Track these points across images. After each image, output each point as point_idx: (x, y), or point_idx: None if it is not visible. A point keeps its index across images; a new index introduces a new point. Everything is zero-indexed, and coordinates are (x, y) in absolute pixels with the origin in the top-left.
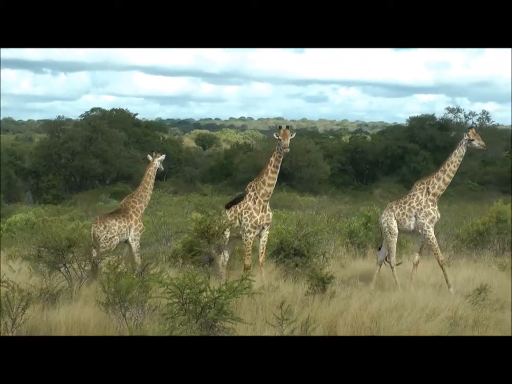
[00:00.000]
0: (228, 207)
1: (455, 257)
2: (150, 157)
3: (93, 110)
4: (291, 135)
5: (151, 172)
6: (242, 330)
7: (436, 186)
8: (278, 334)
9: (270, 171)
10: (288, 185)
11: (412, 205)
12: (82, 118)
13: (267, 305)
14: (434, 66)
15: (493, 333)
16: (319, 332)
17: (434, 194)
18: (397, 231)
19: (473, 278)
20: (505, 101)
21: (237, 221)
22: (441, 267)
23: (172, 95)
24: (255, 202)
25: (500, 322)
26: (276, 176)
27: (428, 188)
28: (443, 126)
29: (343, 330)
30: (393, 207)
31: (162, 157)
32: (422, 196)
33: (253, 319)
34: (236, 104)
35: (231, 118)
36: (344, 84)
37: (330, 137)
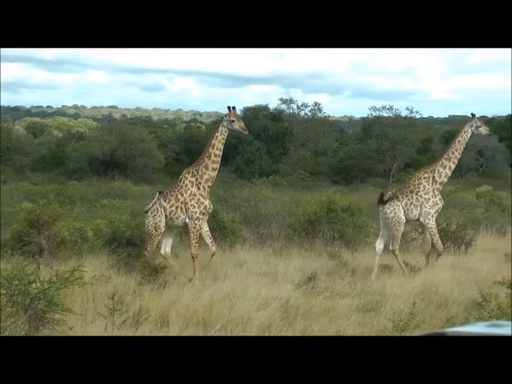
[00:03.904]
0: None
1: (287, 246)
2: None
3: None
4: None
5: None
6: (72, 321)
7: (443, 175)
8: (109, 325)
9: (213, 154)
10: (122, 174)
11: (419, 194)
12: None
13: (98, 295)
14: (269, 58)
15: (323, 320)
16: (150, 322)
17: (441, 183)
18: (404, 221)
19: (304, 266)
20: (336, 93)
21: (179, 210)
22: (437, 256)
23: (2, 81)
24: (199, 188)
25: (330, 309)
26: (219, 159)
27: (433, 177)
28: (276, 116)
29: (176, 320)
30: (399, 198)
31: None
32: (428, 185)
33: (83, 310)
34: (69, 91)
35: (63, 106)
36: (180, 73)
37: (165, 126)
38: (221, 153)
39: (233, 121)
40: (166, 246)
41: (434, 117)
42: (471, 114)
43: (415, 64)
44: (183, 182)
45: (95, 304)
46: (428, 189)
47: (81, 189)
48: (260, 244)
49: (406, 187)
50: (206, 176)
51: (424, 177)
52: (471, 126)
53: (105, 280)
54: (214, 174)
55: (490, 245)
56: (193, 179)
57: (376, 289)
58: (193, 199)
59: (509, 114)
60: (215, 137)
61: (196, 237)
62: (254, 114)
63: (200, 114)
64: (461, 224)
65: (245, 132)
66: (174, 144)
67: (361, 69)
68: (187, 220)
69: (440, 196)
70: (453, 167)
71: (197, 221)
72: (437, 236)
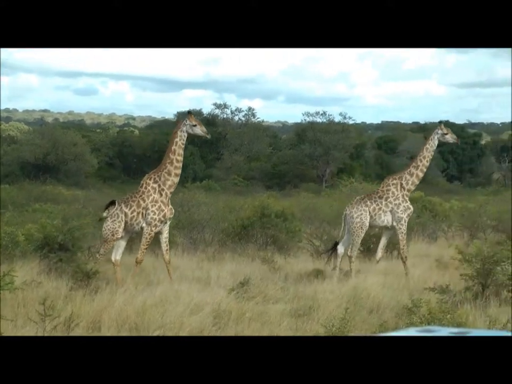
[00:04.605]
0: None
1: (220, 251)
2: None
3: None
4: None
5: None
6: (2, 326)
7: (410, 182)
8: (40, 330)
9: (175, 160)
10: (54, 178)
11: (388, 200)
12: None
13: (29, 301)
14: (204, 62)
15: (256, 325)
16: (82, 327)
17: (408, 190)
18: (367, 227)
19: (237, 271)
20: (270, 98)
21: (140, 215)
22: (404, 262)
23: None
24: (161, 195)
25: (262, 314)
26: (181, 165)
27: (401, 184)
28: (210, 121)
29: (108, 326)
30: (367, 203)
31: None
32: (397, 191)
33: (14, 315)
34: (1, 94)
35: None
36: (113, 77)
37: (98, 130)
38: (182, 159)
39: (195, 125)
40: (117, 254)
41: (367, 122)
42: (439, 122)
43: (349, 70)
44: (145, 188)
45: (25, 309)
46: (397, 195)
47: (12, 193)
48: (193, 249)
49: (375, 193)
50: (169, 182)
51: (393, 184)
52: (438, 133)
53: (36, 285)
54: (176, 180)
55: (422, 251)
56: (155, 185)
57: (308, 294)
58: (155, 205)
59: (440, 121)
60: (174, 143)
61: (147, 243)
62: None
63: (134, 119)
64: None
65: (208, 136)
66: (107, 149)
67: (295, 75)
68: (144, 225)
69: (408, 202)
70: (421, 175)
71: (154, 227)
72: (405, 241)
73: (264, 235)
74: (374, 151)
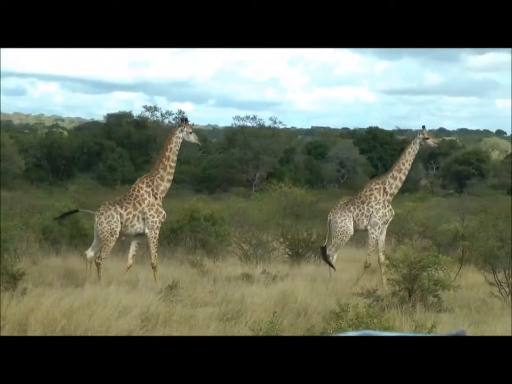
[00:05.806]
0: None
1: (149, 254)
2: None
3: None
4: None
5: None
6: None
7: (393, 186)
8: None
9: (168, 166)
10: None
11: (370, 204)
12: None
13: None
14: (134, 64)
15: (184, 328)
16: (8, 329)
17: (391, 195)
18: (352, 232)
19: (165, 274)
20: (201, 101)
21: (135, 219)
22: (365, 267)
23: None
24: (156, 198)
25: (190, 318)
26: (173, 171)
27: (384, 188)
28: (140, 123)
29: (34, 328)
30: (351, 208)
31: None
32: (379, 195)
33: None
34: None
35: None
36: (42, 78)
37: (26, 131)
38: (175, 165)
39: (191, 132)
40: (92, 251)
41: (298, 127)
42: (422, 126)
43: (280, 75)
44: (138, 192)
45: None
46: (379, 199)
47: None
48: (121, 252)
49: (358, 198)
50: (161, 188)
51: (376, 188)
52: (419, 138)
53: None
54: (168, 185)
55: (351, 256)
56: (149, 189)
57: (237, 298)
58: (152, 208)
59: (369, 127)
60: (169, 149)
61: (155, 246)
62: (117, 121)
63: (62, 120)
64: (321, 234)
65: (200, 144)
66: (35, 150)
67: (226, 78)
68: (147, 231)
69: (390, 206)
70: (403, 178)
71: (157, 230)
72: (373, 248)
73: (193, 238)
74: (304, 156)
